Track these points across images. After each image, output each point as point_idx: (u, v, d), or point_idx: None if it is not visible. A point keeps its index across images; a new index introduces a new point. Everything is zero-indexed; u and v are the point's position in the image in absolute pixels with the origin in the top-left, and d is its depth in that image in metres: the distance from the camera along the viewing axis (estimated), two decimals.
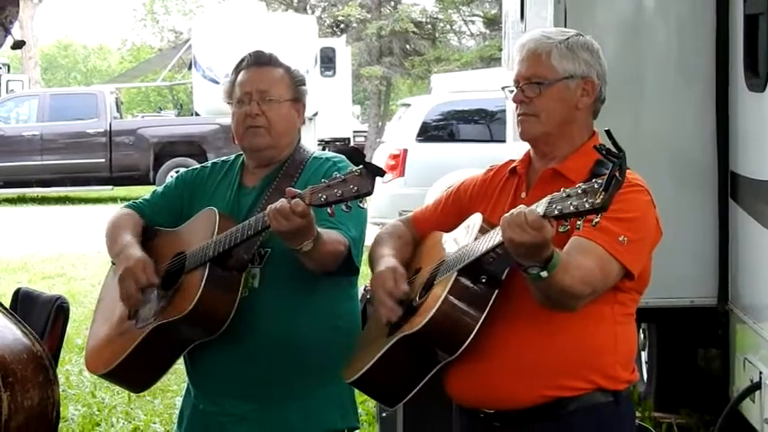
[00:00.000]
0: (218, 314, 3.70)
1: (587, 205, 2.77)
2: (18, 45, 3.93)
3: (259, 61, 3.96)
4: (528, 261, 2.98)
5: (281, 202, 3.46)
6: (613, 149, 2.83)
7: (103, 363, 3.91)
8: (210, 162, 4.18)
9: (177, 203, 4.08)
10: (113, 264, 4.05)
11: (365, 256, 3.82)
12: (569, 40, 3.37)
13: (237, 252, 3.70)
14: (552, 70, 3.33)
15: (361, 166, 3.33)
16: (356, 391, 3.77)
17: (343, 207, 3.37)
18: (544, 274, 2.98)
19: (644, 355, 7.56)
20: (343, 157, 3.87)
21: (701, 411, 7.06)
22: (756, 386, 5.35)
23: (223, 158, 4.16)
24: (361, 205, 3.41)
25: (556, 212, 2.83)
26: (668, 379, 7.27)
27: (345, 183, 3.33)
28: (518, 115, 3.38)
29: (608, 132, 2.91)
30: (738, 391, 5.61)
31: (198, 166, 4.20)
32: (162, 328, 3.72)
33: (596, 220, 2.81)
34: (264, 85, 3.90)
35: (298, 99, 3.97)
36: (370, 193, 3.33)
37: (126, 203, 4.18)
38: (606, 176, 2.76)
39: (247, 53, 4.01)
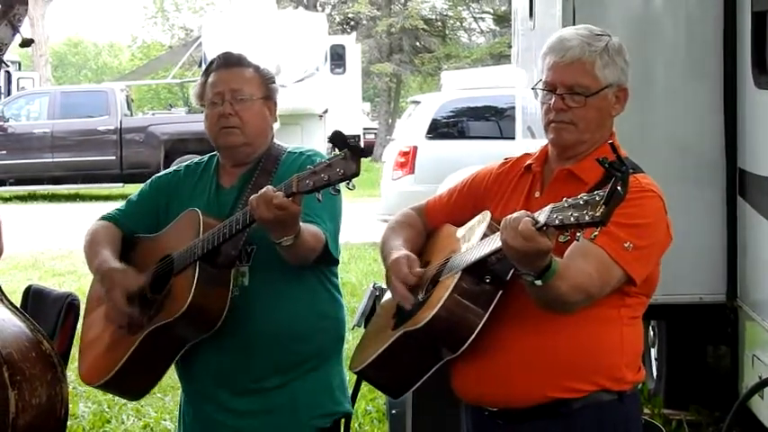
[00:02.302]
0: (212, 311, 3.74)
1: (587, 218, 2.76)
2: (26, 43, 3.95)
3: (228, 62, 4.01)
4: (523, 267, 2.99)
5: (266, 189, 3.50)
6: (617, 162, 2.82)
7: (98, 373, 3.93)
8: (183, 165, 4.20)
9: (153, 209, 4.10)
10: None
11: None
12: (608, 46, 3.33)
13: (226, 249, 3.74)
14: (596, 80, 3.30)
15: (345, 150, 3.35)
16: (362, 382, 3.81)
17: (331, 191, 3.40)
18: (538, 282, 2.99)
19: (653, 352, 7.56)
20: (317, 150, 3.97)
21: (711, 408, 7.06)
22: (765, 382, 5.35)
23: (196, 160, 4.19)
24: (349, 187, 3.43)
25: (557, 222, 2.83)
26: (678, 376, 7.27)
27: (331, 167, 3.36)
28: (552, 121, 3.33)
29: (611, 145, 2.89)
30: (747, 388, 5.62)
31: (171, 169, 4.22)
32: (157, 331, 3.75)
33: (596, 233, 2.79)
34: (236, 85, 3.94)
35: (269, 97, 4.01)
36: (356, 175, 3.35)
37: (101, 215, 4.19)
38: (608, 189, 2.75)
39: (216, 56, 4.06)
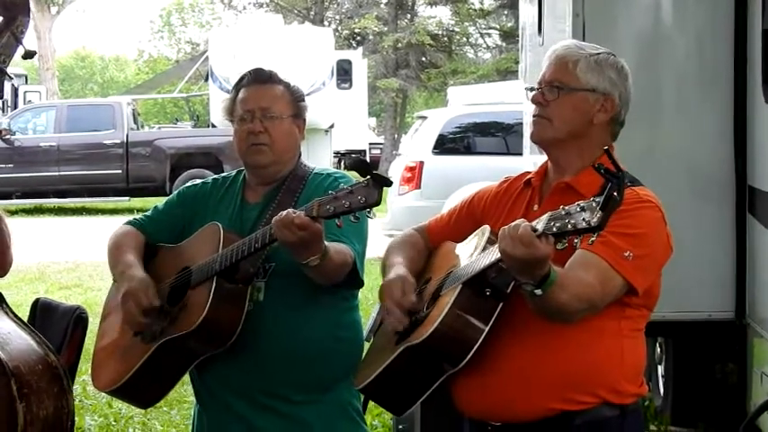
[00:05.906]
0: (227, 327, 3.73)
1: (584, 224, 2.78)
2: (29, 55, 3.94)
3: (259, 79, 4.00)
4: (522, 276, 2.99)
5: (286, 212, 3.49)
6: (612, 169, 2.83)
7: (111, 379, 3.93)
8: (211, 178, 4.21)
9: (178, 220, 4.10)
10: (115, 282, 4.10)
11: (369, 267, 3.83)
12: (600, 55, 3.37)
13: (244, 265, 3.73)
14: (575, 79, 3.33)
15: (368, 177, 3.34)
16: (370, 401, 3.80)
17: (352, 218, 3.39)
18: (538, 292, 2.99)
19: (661, 369, 7.55)
20: (345, 173, 3.93)
21: (719, 426, 7.03)
22: None
23: (224, 174, 4.20)
24: (369, 215, 3.43)
25: (554, 230, 2.84)
26: (685, 393, 7.25)
27: (353, 194, 3.35)
28: (533, 116, 3.39)
29: (606, 151, 2.92)
30: (756, 406, 5.60)
31: (199, 181, 4.24)
32: (170, 344, 3.74)
33: (593, 238, 2.81)
34: (266, 102, 3.94)
35: (298, 115, 4.01)
36: (378, 203, 3.35)
37: (128, 220, 4.20)
38: (604, 195, 2.76)
39: (247, 71, 4.05)
